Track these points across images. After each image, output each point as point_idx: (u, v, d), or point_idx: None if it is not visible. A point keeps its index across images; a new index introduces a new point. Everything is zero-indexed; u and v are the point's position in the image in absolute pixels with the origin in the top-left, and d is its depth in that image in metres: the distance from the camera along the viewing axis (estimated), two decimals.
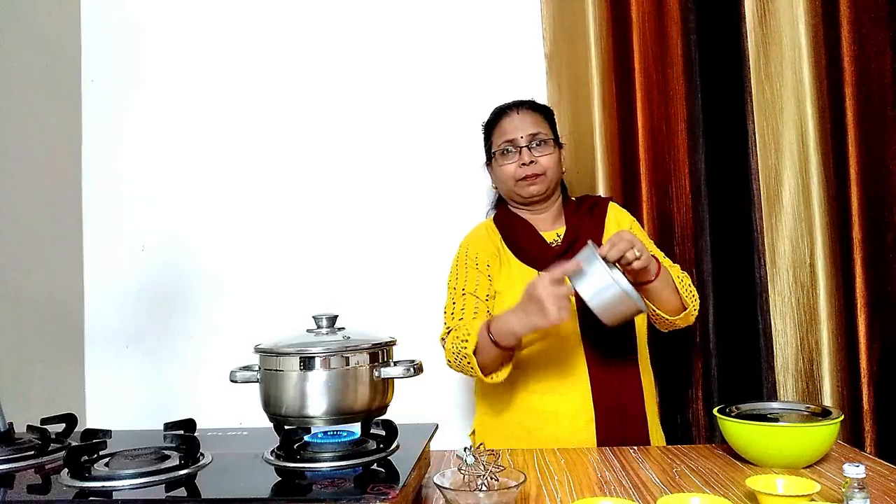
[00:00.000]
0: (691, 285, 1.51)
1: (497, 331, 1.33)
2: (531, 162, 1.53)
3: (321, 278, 2.00)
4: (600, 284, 1.23)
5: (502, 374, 1.40)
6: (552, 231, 1.58)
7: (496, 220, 1.63)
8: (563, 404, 1.45)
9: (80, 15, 2.10)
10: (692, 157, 1.84)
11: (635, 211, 1.85)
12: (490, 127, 1.63)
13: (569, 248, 1.51)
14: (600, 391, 1.43)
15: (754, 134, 1.80)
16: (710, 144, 1.83)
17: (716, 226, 1.83)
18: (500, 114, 1.60)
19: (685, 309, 1.46)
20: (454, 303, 1.51)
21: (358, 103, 2.03)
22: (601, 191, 1.85)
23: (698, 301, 1.51)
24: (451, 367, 1.46)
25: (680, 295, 1.45)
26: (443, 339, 1.50)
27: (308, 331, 1.09)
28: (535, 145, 1.54)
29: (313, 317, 1.10)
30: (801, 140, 1.77)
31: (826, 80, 1.77)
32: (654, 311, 1.47)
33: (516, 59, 1.98)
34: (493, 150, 1.60)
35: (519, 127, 1.55)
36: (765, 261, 1.79)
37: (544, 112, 1.62)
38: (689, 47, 1.85)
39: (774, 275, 1.78)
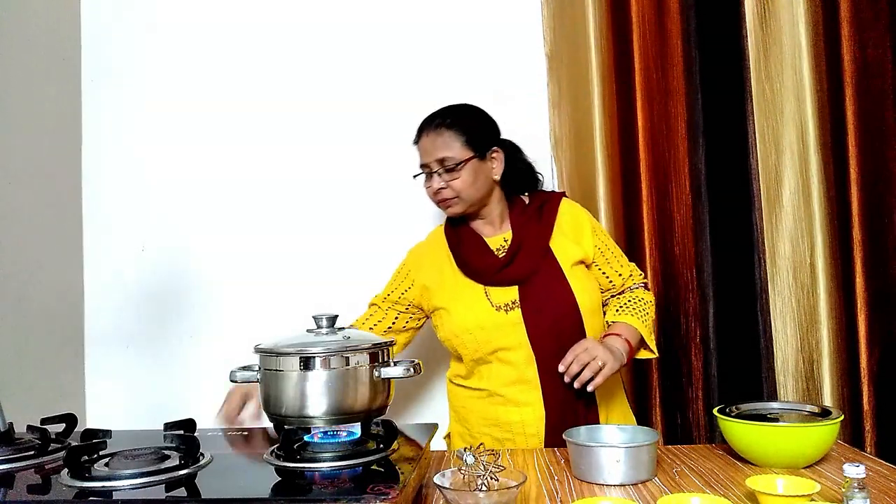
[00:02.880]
0: (651, 309, 1.57)
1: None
2: (440, 189, 1.48)
3: (321, 278, 2.00)
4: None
5: None
6: (499, 236, 1.54)
7: (446, 229, 1.60)
8: (526, 415, 1.44)
9: (80, 15, 2.10)
10: (692, 157, 1.84)
11: (635, 211, 1.85)
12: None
13: (513, 256, 1.48)
14: (551, 401, 1.42)
15: (754, 134, 1.80)
16: (710, 144, 1.83)
17: (716, 226, 1.83)
18: (417, 135, 1.53)
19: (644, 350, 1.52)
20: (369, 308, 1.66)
21: (358, 103, 2.03)
22: (601, 191, 1.85)
23: (651, 319, 1.55)
24: None
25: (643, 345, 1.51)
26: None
27: (308, 331, 1.09)
28: (444, 171, 1.47)
29: (313, 317, 1.10)
30: (801, 140, 1.77)
31: (826, 80, 1.77)
32: None
33: (517, 59, 1.98)
34: None
35: (429, 150, 1.48)
36: (765, 261, 1.79)
37: (455, 125, 1.48)
38: (689, 47, 1.85)
39: (774, 275, 1.78)
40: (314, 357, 1.01)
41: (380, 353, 1.05)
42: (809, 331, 1.76)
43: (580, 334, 1.44)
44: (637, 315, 1.50)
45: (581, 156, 1.90)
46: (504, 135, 2.00)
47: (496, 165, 1.52)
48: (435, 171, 1.48)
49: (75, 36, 2.09)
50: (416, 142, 1.54)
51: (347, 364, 1.02)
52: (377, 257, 2.00)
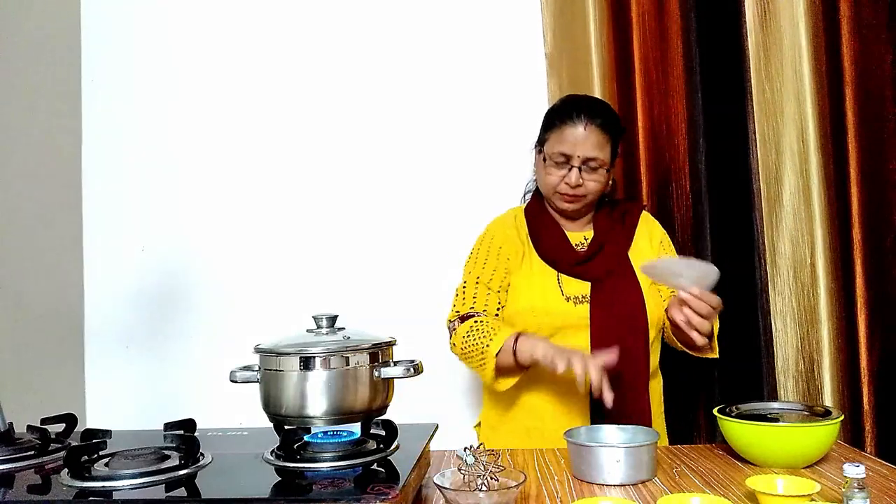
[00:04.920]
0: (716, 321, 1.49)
1: (521, 347, 1.35)
2: (577, 185, 1.48)
3: (321, 278, 2.00)
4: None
5: (509, 383, 1.43)
6: (580, 233, 1.56)
7: (527, 211, 1.60)
8: (563, 405, 1.45)
9: (80, 15, 2.09)
10: (692, 157, 1.84)
11: None
12: (552, 120, 1.52)
13: (593, 255, 1.50)
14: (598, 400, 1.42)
15: (754, 134, 1.80)
16: (710, 144, 1.83)
17: (716, 226, 1.83)
18: (567, 116, 1.48)
19: (709, 351, 1.47)
20: (465, 288, 1.52)
21: (357, 102, 2.03)
22: None
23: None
24: (454, 352, 1.49)
25: (712, 341, 1.45)
26: (451, 321, 1.51)
27: (308, 331, 1.09)
28: (586, 169, 1.48)
29: (313, 317, 1.10)
30: (801, 140, 1.77)
31: (826, 80, 1.77)
32: (675, 343, 1.50)
33: (517, 58, 1.98)
34: (544, 151, 1.52)
35: (579, 144, 1.45)
36: (765, 261, 1.79)
37: (612, 131, 1.50)
38: (689, 47, 1.85)
39: (775, 275, 1.78)
40: (314, 357, 1.00)
41: (380, 353, 1.05)
42: (810, 331, 1.76)
43: (643, 342, 1.45)
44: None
45: None
46: (504, 135, 2.00)
47: (610, 180, 1.56)
48: (576, 167, 1.47)
49: (75, 36, 2.08)
50: (559, 123, 1.49)
51: (347, 364, 1.01)
52: (377, 257, 2.01)
